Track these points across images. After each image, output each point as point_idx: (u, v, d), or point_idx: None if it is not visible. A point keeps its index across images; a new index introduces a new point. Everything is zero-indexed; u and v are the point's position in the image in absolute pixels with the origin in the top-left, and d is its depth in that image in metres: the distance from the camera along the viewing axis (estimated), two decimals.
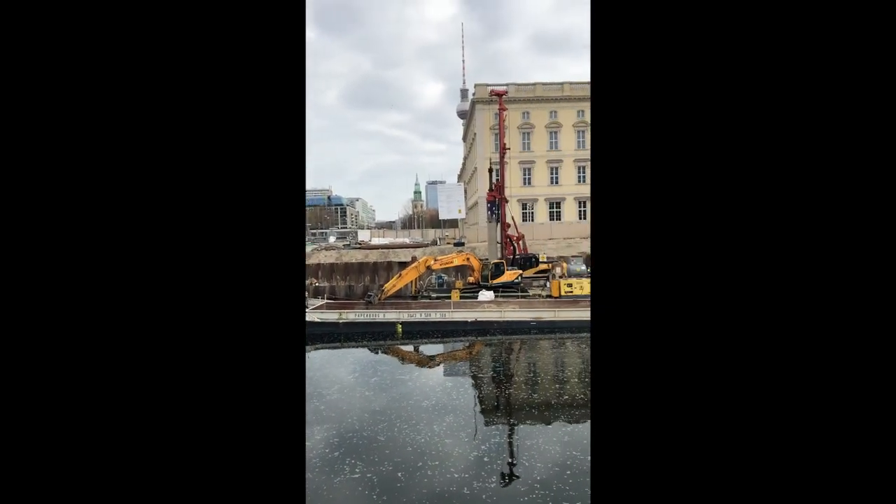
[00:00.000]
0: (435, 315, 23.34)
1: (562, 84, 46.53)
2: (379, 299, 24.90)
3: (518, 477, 9.35)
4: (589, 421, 12.10)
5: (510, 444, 11.07)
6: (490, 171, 32.77)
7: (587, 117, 46.25)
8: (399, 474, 9.37)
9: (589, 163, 46.86)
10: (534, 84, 46.34)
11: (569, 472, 9.24)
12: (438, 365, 18.91)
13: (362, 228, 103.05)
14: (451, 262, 27.59)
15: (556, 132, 46.35)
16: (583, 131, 46.49)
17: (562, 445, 10.52)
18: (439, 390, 14.95)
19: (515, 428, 12.04)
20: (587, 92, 46.46)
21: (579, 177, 46.79)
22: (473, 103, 48.16)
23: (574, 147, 46.48)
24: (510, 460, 10.16)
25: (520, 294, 26.64)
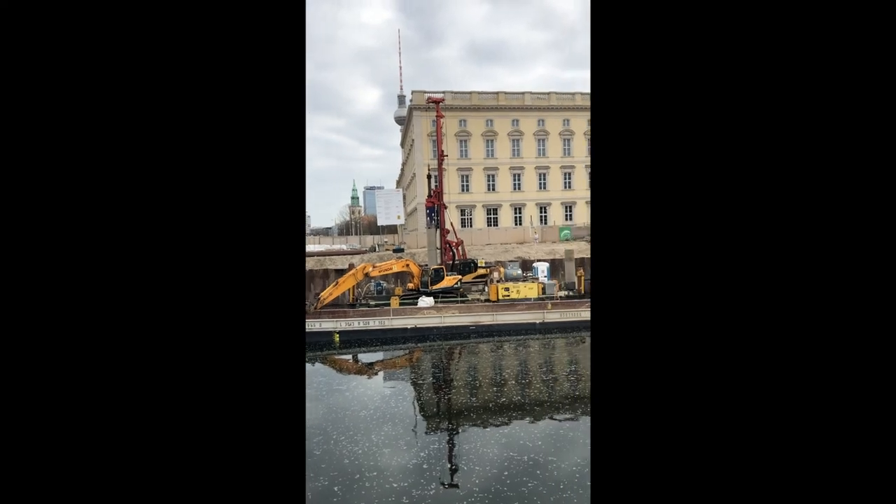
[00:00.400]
0: (374, 323, 22.96)
1: (496, 94, 47.85)
2: (315, 308, 24.11)
3: (457, 482, 9.36)
4: (526, 420, 12.40)
5: (450, 449, 11.08)
6: (428, 177, 32.95)
7: (521, 126, 47.87)
8: (335, 489, 9.06)
9: (523, 170, 48.47)
10: (470, 93, 47.28)
11: (506, 474, 9.38)
12: (377, 373, 18.59)
13: None
14: (391, 269, 27.32)
15: (492, 140, 47.54)
16: (517, 140, 48.02)
17: (499, 447, 10.68)
18: (378, 399, 14.68)
19: (455, 433, 12.07)
20: (521, 102, 48.11)
21: (514, 184, 48.26)
22: (411, 110, 48.27)
23: (509, 155, 47.90)
24: (449, 466, 10.16)
25: (459, 299, 26.89)
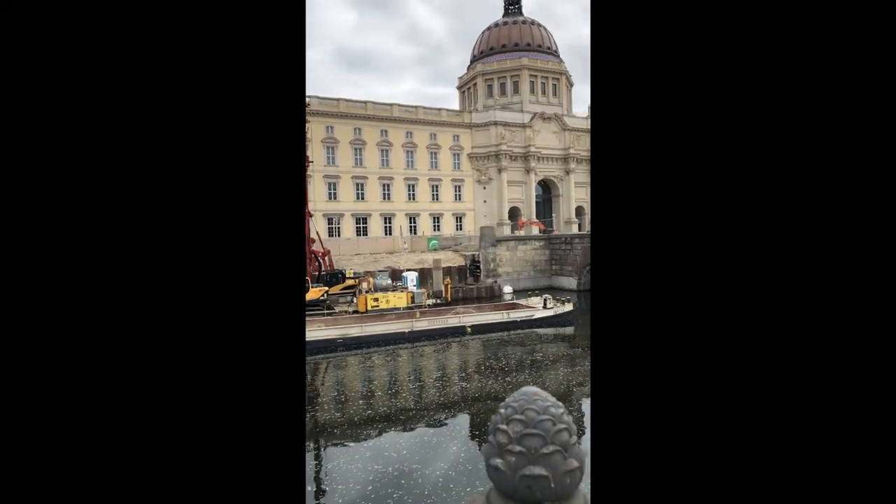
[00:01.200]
0: None
1: (365, 103, 47.69)
2: None
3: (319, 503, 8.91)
4: (392, 430, 12.37)
5: (314, 470, 10.51)
6: None
7: (390, 137, 48.36)
8: None
9: (392, 180, 48.94)
10: (338, 99, 46.36)
11: (371, 488, 9.21)
12: None
13: None
14: None
15: (360, 149, 47.13)
16: (386, 150, 48.35)
17: (364, 461, 10.46)
18: None
19: (318, 452, 11.51)
20: (389, 113, 48.64)
21: (384, 194, 48.43)
22: None
23: (378, 165, 47.95)
24: (310, 488, 9.63)
25: (326, 312, 25.93)
